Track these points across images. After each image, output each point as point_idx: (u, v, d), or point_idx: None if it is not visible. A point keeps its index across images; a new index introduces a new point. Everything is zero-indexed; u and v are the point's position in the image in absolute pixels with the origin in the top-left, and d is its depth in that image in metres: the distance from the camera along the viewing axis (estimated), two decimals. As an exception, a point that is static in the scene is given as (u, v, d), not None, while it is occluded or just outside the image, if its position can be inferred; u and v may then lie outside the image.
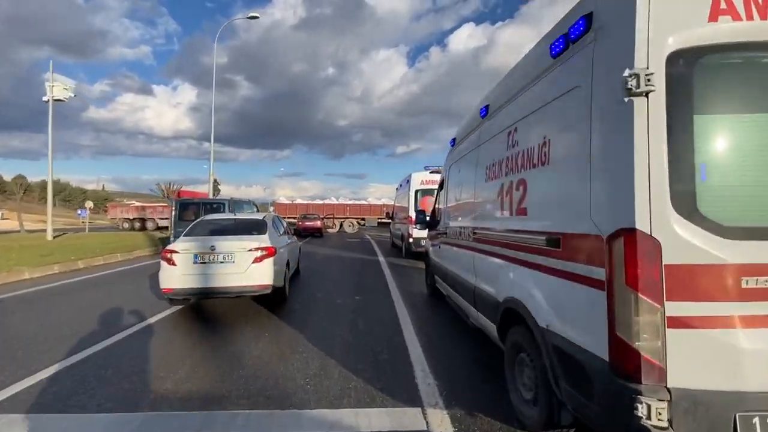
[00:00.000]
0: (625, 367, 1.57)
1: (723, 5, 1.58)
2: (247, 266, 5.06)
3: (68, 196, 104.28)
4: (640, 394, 1.50)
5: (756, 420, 1.45)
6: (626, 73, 1.59)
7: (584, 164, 1.84)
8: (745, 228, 1.53)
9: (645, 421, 1.48)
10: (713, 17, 1.58)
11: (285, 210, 29.34)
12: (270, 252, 5.26)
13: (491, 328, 3.09)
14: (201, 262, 5.02)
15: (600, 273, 1.70)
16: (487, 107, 3.44)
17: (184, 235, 5.56)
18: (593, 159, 1.79)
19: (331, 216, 28.89)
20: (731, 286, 1.50)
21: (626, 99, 1.59)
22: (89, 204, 26.46)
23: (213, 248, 5.04)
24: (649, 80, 1.55)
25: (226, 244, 5.15)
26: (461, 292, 4.05)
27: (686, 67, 1.57)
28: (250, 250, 5.14)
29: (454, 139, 4.90)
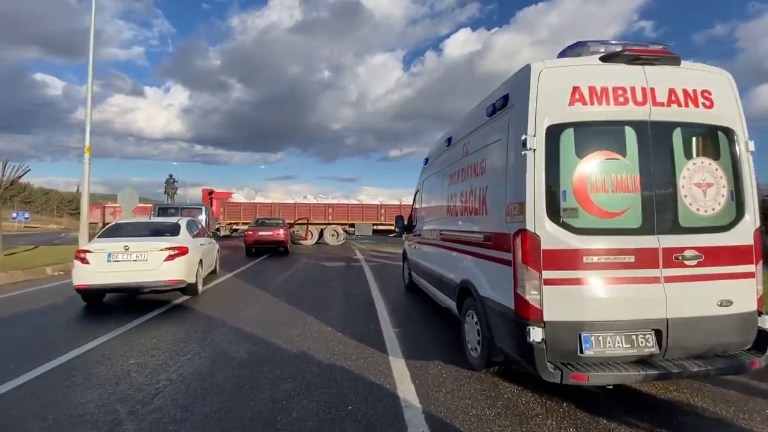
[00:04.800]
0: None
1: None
2: (159, 264, 5.73)
3: (28, 198, 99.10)
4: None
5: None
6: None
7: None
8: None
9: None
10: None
11: (238, 213, 19.78)
12: (182, 251, 5.99)
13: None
14: (115, 261, 5.63)
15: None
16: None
17: (98, 237, 6.26)
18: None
19: (305, 221, 19.48)
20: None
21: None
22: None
23: (127, 248, 5.66)
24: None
25: (140, 244, 5.79)
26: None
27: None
28: (162, 249, 5.83)
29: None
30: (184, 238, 6.47)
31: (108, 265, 5.60)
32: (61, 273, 9.29)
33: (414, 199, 7.08)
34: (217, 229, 21.25)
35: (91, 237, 8.68)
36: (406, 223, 7.24)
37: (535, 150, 2.66)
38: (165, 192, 36.01)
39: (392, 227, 20.88)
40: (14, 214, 46.78)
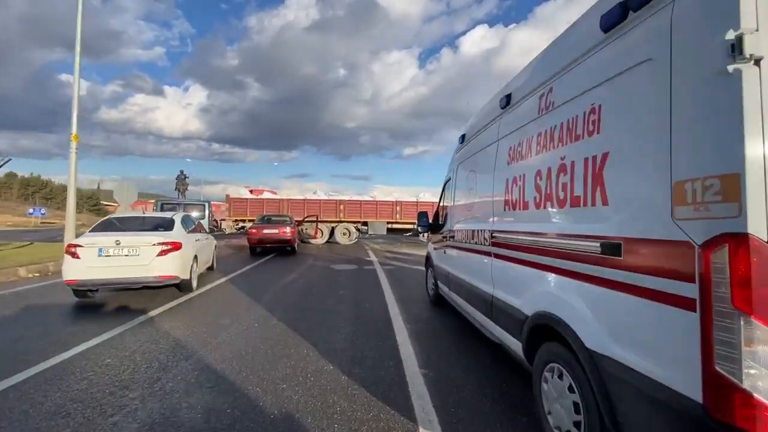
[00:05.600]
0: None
1: None
2: (151, 259, 5.57)
3: (49, 194, 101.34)
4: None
5: None
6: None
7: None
8: None
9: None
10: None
11: (244, 210, 18.38)
12: (175, 246, 5.81)
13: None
14: (106, 255, 5.44)
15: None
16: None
17: (90, 231, 5.98)
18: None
19: (314, 218, 18.00)
20: None
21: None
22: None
23: (118, 243, 5.48)
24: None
25: (132, 239, 5.61)
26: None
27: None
28: (155, 244, 5.65)
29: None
30: (178, 233, 6.25)
31: (99, 259, 5.42)
32: (36, 275, 8.20)
33: (442, 193, 5.67)
34: (215, 226, 20.25)
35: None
36: (431, 221, 5.85)
37: (761, 61, 1.22)
38: (176, 188, 35.38)
39: (409, 226, 19.71)
40: (30, 210, 47.18)
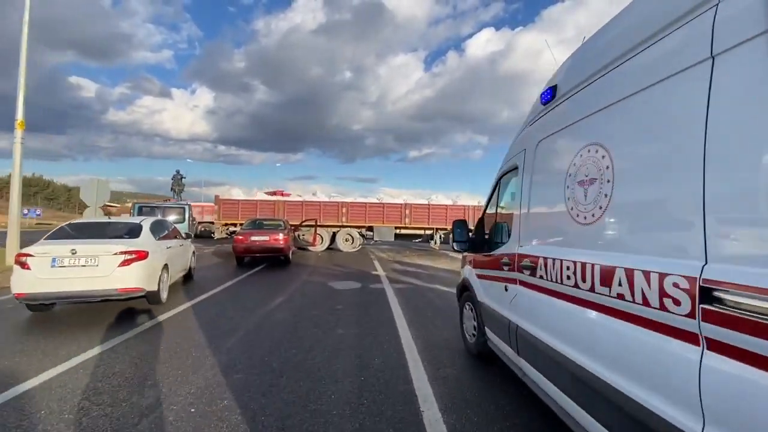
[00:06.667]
0: None
1: None
2: (112, 270, 5.07)
3: (51, 195, 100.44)
4: None
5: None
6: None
7: None
8: None
9: None
10: None
11: (235, 212, 16.23)
12: (140, 256, 5.31)
13: None
14: (60, 266, 4.94)
15: None
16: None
17: (46, 238, 5.40)
18: None
19: (313, 223, 15.70)
20: None
21: None
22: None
23: (74, 252, 4.98)
24: None
25: (89, 247, 5.10)
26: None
27: None
28: (116, 253, 5.14)
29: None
30: (145, 240, 5.77)
31: (52, 271, 4.93)
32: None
33: (492, 195, 3.76)
34: (203, 230, 18.65)
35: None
36: (472, 234, 3.94)
37: None
38: (171, 189, 33.73)
39: (419, 231, 17.71)
40: (25, 211, 45.91)
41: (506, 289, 3.02)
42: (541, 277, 2.42)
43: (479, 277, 3.80)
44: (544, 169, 2.60)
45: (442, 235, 17.44)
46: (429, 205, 17.03)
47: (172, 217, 13.27)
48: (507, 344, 3.03)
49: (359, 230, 16.75)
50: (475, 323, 3.93)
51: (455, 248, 4.02)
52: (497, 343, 3.31)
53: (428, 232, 17.40)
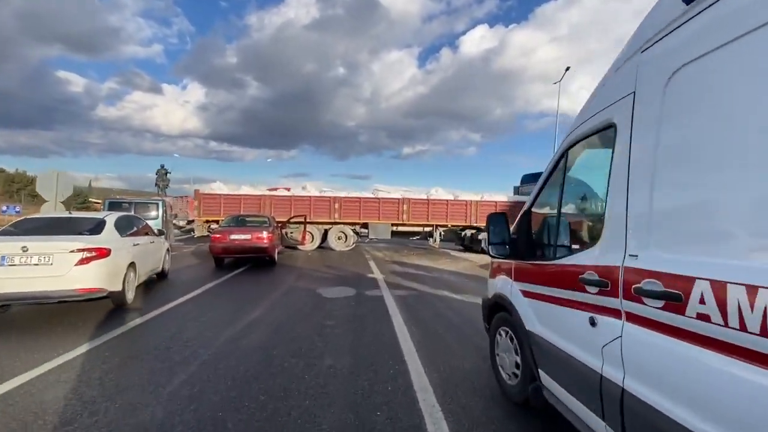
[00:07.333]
0: None
1: None
2: (68, 269, 4.72)
3: (35, 191, 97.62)
4: None
5: None
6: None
7: None
8: None
9: None
10: None
11: (217, 208, 14.54)
12: (101, 253, 4.98)
13: None
14: (10, 265, 4.58)
15: None
16: None
17: None
18: None
19: (302, 219, 14.19)
20: None
21: None
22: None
23: (25, 249, 4.61)
24: None
25: (42, 244, 4.73)
26: None
27: None
28: (73, 251, 4.79)
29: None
30: (108, 237, 5.40)
31: (1, 270, 4.50)
32: None
33: (549, 176, 2.59)
34: (180, 227, 17.39)
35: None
36: (514, 234, 2.81)
37: None
38: (156, 184, 32.16)
39: (417, 228, 16.51)
40: (3, 208, 44.02)
41: (593, 324, 1.87)
42: (700, 317, 1.28)
43: (527, 295, 2.65)
44: (692, 120, 1.44)
45: (442, 233, 16.28)
46: (428, 200, 15.79)
47: (148, 213, 12.03)
48: (589, 408, 1.90)
49: (353, 227, 15.31)
50: (518, 359, 2.79)
51: (491, 253, 2.87)
52: (565, 401, 2.17)
53: (427, 229, 16.21)
